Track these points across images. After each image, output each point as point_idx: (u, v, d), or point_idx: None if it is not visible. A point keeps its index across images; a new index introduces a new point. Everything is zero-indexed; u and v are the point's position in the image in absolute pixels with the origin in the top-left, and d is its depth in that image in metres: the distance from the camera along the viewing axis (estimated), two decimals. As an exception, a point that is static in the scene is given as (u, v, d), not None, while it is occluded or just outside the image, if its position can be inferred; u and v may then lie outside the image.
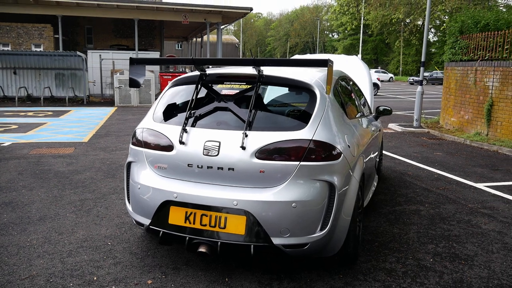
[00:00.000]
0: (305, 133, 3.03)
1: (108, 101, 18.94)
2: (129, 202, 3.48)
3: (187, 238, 3.01)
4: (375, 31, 58.09)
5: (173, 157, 3.19)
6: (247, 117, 3.07)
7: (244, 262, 3.46)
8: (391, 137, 10.58)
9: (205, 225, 3.01)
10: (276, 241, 2.93)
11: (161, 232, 3.11)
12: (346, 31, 67.34)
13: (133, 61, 3.53)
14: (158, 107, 3.58)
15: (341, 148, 3.15)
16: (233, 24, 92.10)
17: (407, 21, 50.65)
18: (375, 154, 5.16)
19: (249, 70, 3.42)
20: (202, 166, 3.09)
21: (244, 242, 2.93)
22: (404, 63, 57.04)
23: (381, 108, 5.63)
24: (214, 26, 26.19)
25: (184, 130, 3.18)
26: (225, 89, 3.44)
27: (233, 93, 3.33)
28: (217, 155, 3.04)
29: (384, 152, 8.50)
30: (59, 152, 7.86)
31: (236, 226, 2.95)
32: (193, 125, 3.24)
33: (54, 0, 20.07)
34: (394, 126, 12.20)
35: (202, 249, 2.95)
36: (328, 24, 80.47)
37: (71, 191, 5.43)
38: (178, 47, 51.58)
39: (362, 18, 50.93)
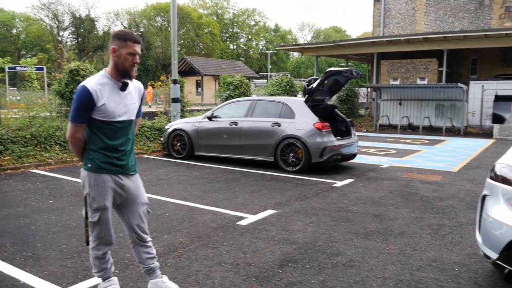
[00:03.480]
0: None
1: (486, 133, 18.12)
2: (479, 233, 3.56)
3: None
4: None
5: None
6: None
7: None
8: None
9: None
10: None
11: (507, 269, 3.06)
12: None
13: (498, 98, 3.61)
14: None
15: None
16: None
17: None
18: None
19: None
20: None
21: None
22: None
23: None
24: None
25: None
26: None
27: None
28: None
29: None
30: (427, 179, 8.41)
31: None
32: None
33: (442, 36, 21.09)
34: None
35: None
36: None
37: (431, 215, 5.83)
38: None
39: None
